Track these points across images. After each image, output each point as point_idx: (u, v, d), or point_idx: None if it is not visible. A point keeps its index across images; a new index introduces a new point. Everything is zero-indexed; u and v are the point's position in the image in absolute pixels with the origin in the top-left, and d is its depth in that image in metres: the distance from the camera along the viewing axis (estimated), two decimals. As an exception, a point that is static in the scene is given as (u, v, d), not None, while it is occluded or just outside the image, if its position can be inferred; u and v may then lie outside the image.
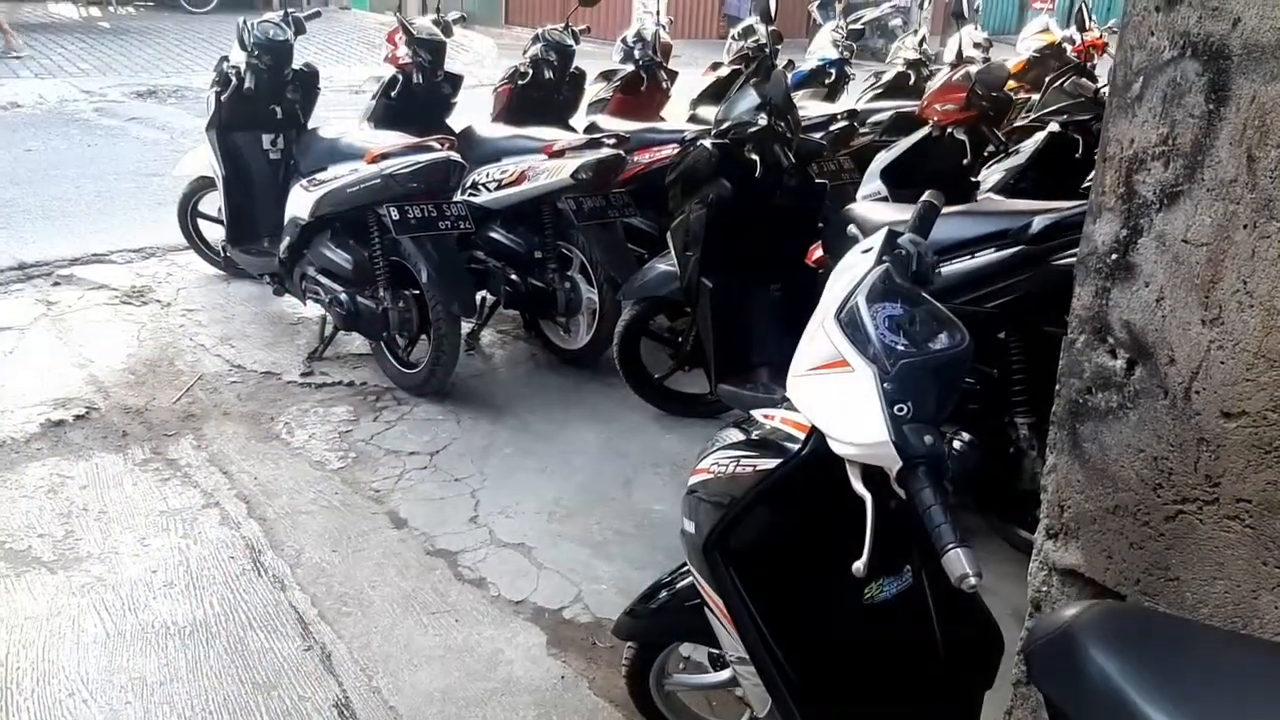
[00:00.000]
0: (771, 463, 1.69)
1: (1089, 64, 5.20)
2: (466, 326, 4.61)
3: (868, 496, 1.45)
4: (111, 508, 3.40)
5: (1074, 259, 2.73)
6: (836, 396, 1.53)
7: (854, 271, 1.67)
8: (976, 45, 7.28)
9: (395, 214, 4.06)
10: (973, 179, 4.06)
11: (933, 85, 6.57)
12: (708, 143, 3.65)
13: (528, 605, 3.01)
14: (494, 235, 4.74)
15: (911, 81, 7.11)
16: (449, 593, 3.05)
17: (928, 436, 1.43)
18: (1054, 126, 4.07)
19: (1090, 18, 6.13)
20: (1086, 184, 4.24)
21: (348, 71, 12.60)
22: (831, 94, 6.96)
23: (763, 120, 3.48)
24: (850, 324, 1.57)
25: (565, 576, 3.15)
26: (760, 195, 3.62)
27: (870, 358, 1.51)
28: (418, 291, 4.25)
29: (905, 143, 4.23)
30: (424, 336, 4.33)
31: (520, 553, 3.27)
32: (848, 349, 1.54)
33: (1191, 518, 1.89)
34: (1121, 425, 1.98)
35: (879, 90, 7.10)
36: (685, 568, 2.03)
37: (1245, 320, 1.75)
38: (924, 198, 1.83)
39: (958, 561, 1.34)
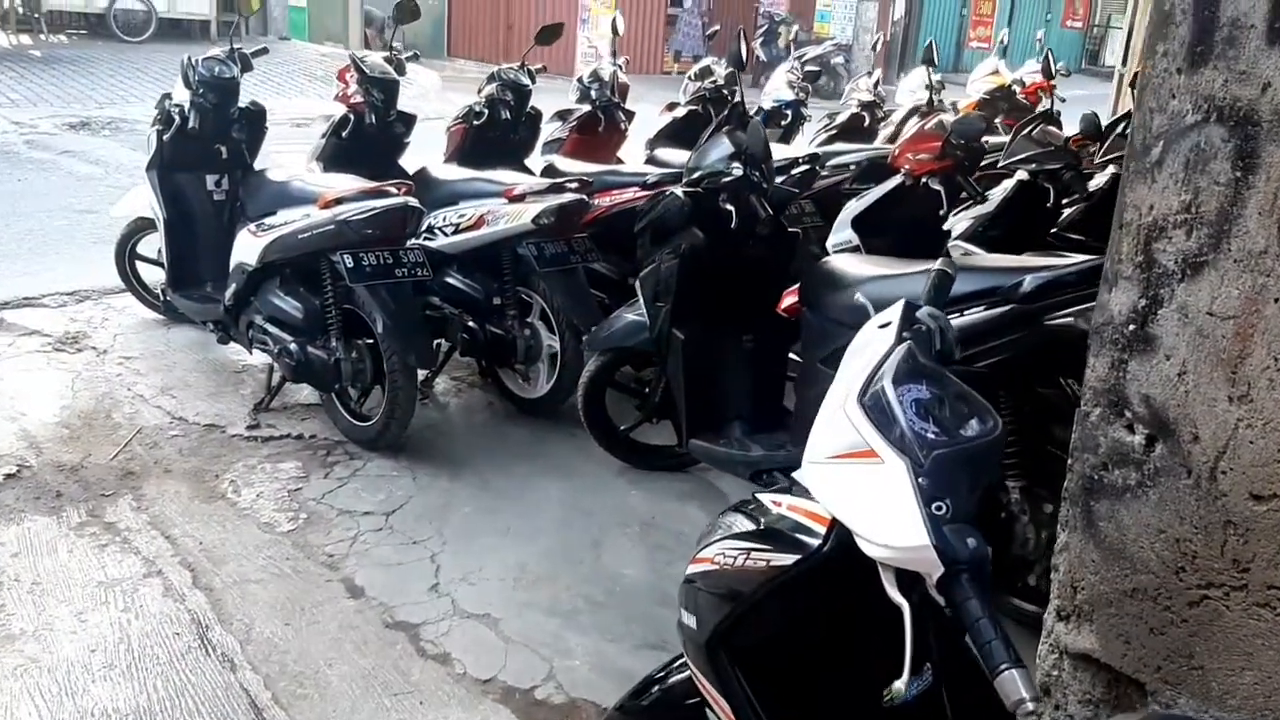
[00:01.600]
0: (788, 558, 1.56)
1: (1053, 109, 5.18)
2: (420, 375, 4.42)
3: (905, 605, 1.33)
4: (45, 578, 3.16)
5: (1068, 319, 2.68)
6: (864, 491, 1.40)
7: (873, 349, 1.55)
8: (927, 87, 7.30)
9: (350, 261, 3.88)
10: (944, 228, 3.99)
11: (889, 128, 6.60)
12: (679, 191, 3.53)
13: (496, 684, 2.82)
14: (451, 281, 4.58)
15: (866, 123, 7.12)
16: (411, 671, 2.86)
17: (970, 539, 1.31)
18: (1023, 175, 4.03)
19: (1055, 63, 6.16)
20: (1055, 231, 4.23)
21: (288, 104, 12.34)
22: (786, 135, 6.93)
23: (738, 170, 3.38)
24: (875, 408, 1.45)
25: (535, 651, 2.97)
26: (733, 245, 3.52)
27: (900, 447, 1.39)
28: (371, 341, 4.07)
29: (877, 191, 4.15)
30: (378, 387, 4.14)
31: (486, 624, 3.08)
32: (874, 438, 1.42)
33: (1217, 604, 1.80)
34: (1140, 504, 1.88)
35: (833, 131, 7.09)
36: (681, 661, 1.89)
37: (1277, 399, 1.67)
38: (937, 266, 1.72)
39: (1014, 684, 1.22)
